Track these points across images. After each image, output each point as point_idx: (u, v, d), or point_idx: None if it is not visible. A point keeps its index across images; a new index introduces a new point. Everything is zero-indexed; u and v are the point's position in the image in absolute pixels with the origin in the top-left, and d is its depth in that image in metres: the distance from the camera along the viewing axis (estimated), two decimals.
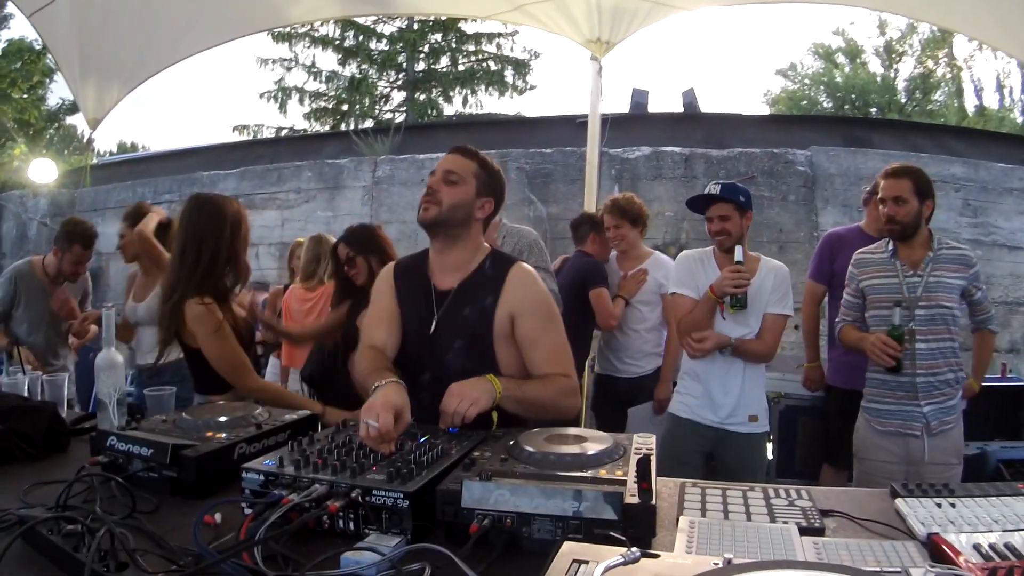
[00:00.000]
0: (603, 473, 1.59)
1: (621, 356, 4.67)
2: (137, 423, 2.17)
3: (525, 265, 2.50)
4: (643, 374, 4.61)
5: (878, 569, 1.11)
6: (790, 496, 1.78)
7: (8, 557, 1.42)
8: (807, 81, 29.47)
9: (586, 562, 1.07)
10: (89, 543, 1.35)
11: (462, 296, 2.42)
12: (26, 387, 2.97)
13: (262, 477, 1.65)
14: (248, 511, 1.57)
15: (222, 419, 2.16)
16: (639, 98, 11.09)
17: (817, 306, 4.59)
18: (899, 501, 1.75)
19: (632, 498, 1.45)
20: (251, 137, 20.87)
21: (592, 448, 1.71)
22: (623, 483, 1.52)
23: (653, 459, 1.63)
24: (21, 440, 2.29)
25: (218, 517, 1.62)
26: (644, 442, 1.81)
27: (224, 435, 2.04)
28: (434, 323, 2.41)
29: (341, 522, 1.56)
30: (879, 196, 3.45)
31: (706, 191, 3.59)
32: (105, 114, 5.55)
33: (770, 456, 5.23)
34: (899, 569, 1.11)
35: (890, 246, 3.41)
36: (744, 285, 3.37)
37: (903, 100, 27.07)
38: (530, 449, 1.71)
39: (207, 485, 1.86)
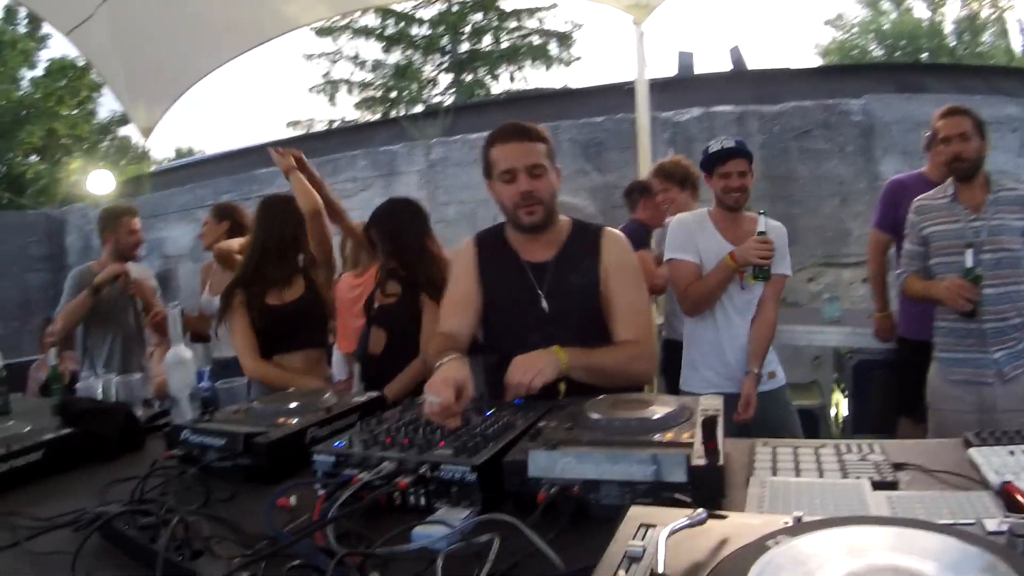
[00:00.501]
0: (670, 436, 1.58)
1: (683, 318, 4.60)
2: (210, 415, 2.22)
3: (613, 230, 2.50)
4: None
5: (951, 522, 1.09)
6: (862, 451, 1.74)
7: (87, 553, 1.46)
8: (856, 30, 28.85)
9: (653, 525, 1.06)
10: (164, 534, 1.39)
11: (563, 266, 2.41)
12: (99, 390, 3.07)
13: (333, 458, 1.68)
14: (320, 492, 1.60)
15: (292, 405, 2.21)
16: (685, 60, 10.97)
17: (883, 255, 4.49)
18: (972, 451, 1.70)
19: (699, 460, 1.44)
20: (304, 132, 21.09)
21: (658, 412, 1.70)
22: (690, 445, 1.51)
23: (720, 419, 1.61)
24: (96, 441, 2.35)
25: (293, 500, 1.66)
26: (711, 403, 1.79)
27: (295, 421, 2.09)
28: (543, 299, 2.39)
29: (412, 498, 1.58)
30: (941, 136, 3.33)
31: (719, 146, 3.47)
32: (156, 122, 5.67)
33: (845, 412, 5.18)
34: (973, 520, 1.08)
35: (950, 190, 3.31)
36: (770, 256, 3.29)
37: (951, 44, 26.40)
38: (595, 416, 1.70)
39: (280, 470, 1.90)
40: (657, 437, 1.58)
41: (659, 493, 1.43)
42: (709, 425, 1.47)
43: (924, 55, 25.96)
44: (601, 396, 1.90)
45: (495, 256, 2.50)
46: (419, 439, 1.68)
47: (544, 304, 2.39)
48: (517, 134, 2.35)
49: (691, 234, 3.50)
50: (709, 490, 1.42)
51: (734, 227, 3.46)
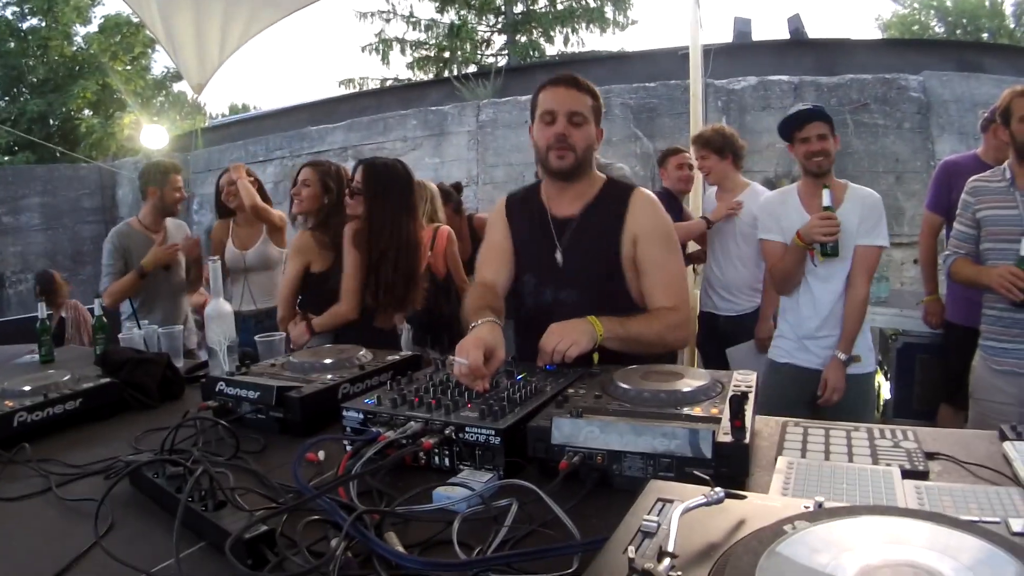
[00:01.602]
0: (698, 411, 1.56)
1: (720, 292, 4.57)
2: (247, 368, 2.25)
3: (646, 190, 2.47)
4: (743, 312, 4.49)
5: (977, 518, 1.06)
6: (895, 437, 1.71)
7: (117, 501, 1.50)
8: (917, 5, 28.22)
9: (671, 501, 1.06)
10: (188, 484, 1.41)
11: (586, 222, 2.41)
12: (143, 341, 3.13)
13: (361, 415, 1.71)
14: (347, 448, 1.62)
15: (327, 361, 2.25)
16: (742, 27, 10.75)
17: (935, 237, 4.41)
18: (1007, 444, 1.66)
19: (725, 436, 1.42)
20: (356, 90, 21.12)
21: (688, 385, 1.68)
22: (717, 420, 1.49)
23: (751, 396, 1.59)
24: (136, 390, 2.40)
25: (321, 455, 1.68)
26: (744, 379, 1.77)
27: (329, 376, 2.11)
28: (559, 252, 2.40)
29: (436, 458, 1.60)
30: (1020, 115, 3.20)
31: (798, 109, 3.45)
32: (208, 79, 5.69)
33: (887, 395, 5.10)
34: (999, 520, 1.05)
35: (1008, 174, 3.17)
36: (835, 233, 3.21)
37: (1011, 25, 25.87)
38: (625, 386, 1.69)
39: (312, 425, 1.93)
40: (685, 411, 1.56)
41: (683, 468, 1.42)
42: (738, 402, 1.44)
43: (984, 35, 25.40)
44: (633, 366, 1.89)
45: (524, 209, 2.53)
46: (447, 400, 1.68)
47: (559, 257, 2.39)
48: (567, 81, 2.36)
49: (775, 212, 3.51)
50: (734, 468, 1.41)
51: (819, 198, 3.34)
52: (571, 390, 1.75)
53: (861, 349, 3.41)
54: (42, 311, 3.61)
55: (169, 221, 4.79)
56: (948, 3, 26.72)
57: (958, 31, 25.95)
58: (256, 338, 2.72)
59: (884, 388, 5.27)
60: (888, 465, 1.53)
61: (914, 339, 4.76)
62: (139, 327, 3.35)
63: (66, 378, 2.36)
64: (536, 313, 2.36)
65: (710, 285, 4.62)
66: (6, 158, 16.58)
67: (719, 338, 4.53)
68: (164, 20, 5.11)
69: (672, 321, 2.31)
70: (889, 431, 1.75)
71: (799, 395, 3.43)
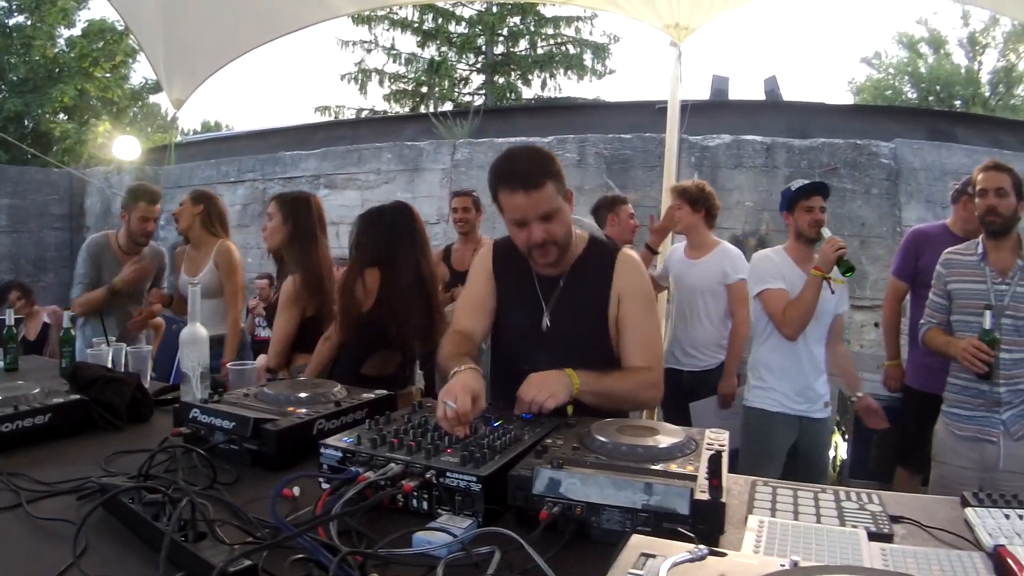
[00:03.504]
0: (674, 467, 1.59)
1: (686, 349, 4.64)
2: (219, 396, 2.24)
3: (630, 251, 2.50)
4: (706, 368, 4.57)
5: None
6: (861, 500, 1.75)
7: (88, 523, 1.48)
8: (891, 71, 28.81)
9: (653, 556, 1.08)
10: (170, 512, 1.40)
11: (573, 284, 2.41)
12: (110, 358, 3.10)
13: (340, 453, 1.70)
14: (325, 486, 1.62)
15: (302, 395, 2.23)
16: (719, 84, 10.95)
17: (899, 303, 4.51)
18: (969, 510, 1.72)
19: (702, 494, 1.45)
20: (333, 118, 21.15)
21: (664, 441, 1.71)
22: (694, 478, 1.52)
23: (725, 455, 1.62)
24: (105, 410, 2.38)
25: (296, 491, 1.68)
26: (716, 437, 1.80)
27: (304, 411, 2.10)
28: (547, 316, 2.41)
29: (415, 501, 1.60)
30: (978, 188, 3.33)
31: (804, 182, 3.84)
32: (189, 96, 5.70)
33: (844, 456, 5.17)
34: None
35: (980, 248, 3.31)
36: (844, 247, 3.55)
37: (987, 94, 26.33)
38: (602, 439, 1.71)
39: (286, 458, 1.93)
40: (662, 466, 1.58)
41: (660, 523, 1.44)
42: (715, 461, 1.48)
43: (958, 102, 25.90)
44: (609, 419, 1.92)
45: (510, 263, 2.51)
46: (427, 443, 1.69)
47: (546, 320, 2.41)
48: (523, 183, 2.22)
49: (776, 266, 3.79)
50: (710, 525, 1.44)
51: (811, 260, 3.74)
52: (549, 440, 1.76)
53: (828, 396, 3.89)
54: (9, 318, 3.57)
55: (146, 249, 4.81)
56: (922, 70, 27.16)
57: (931, 98, 26.35)
58: (229, 366, 2.71)
59: (841, 448, 5.34)
60: (855, 527, 1.57)
61: None
62: (107, 343, 3.32)
63: (35, 391, 2.34)
64: (517, 367, 2.31)
65: (676, 342, 4.68)
66: None
67: (681, 393, 4.55)
68: (152, 34, 5.12)
69: (647, 380, 2.36)
70: (855, 494, 1.79)
71: (787, 439, 3.81)
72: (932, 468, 3.46)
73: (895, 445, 4.42)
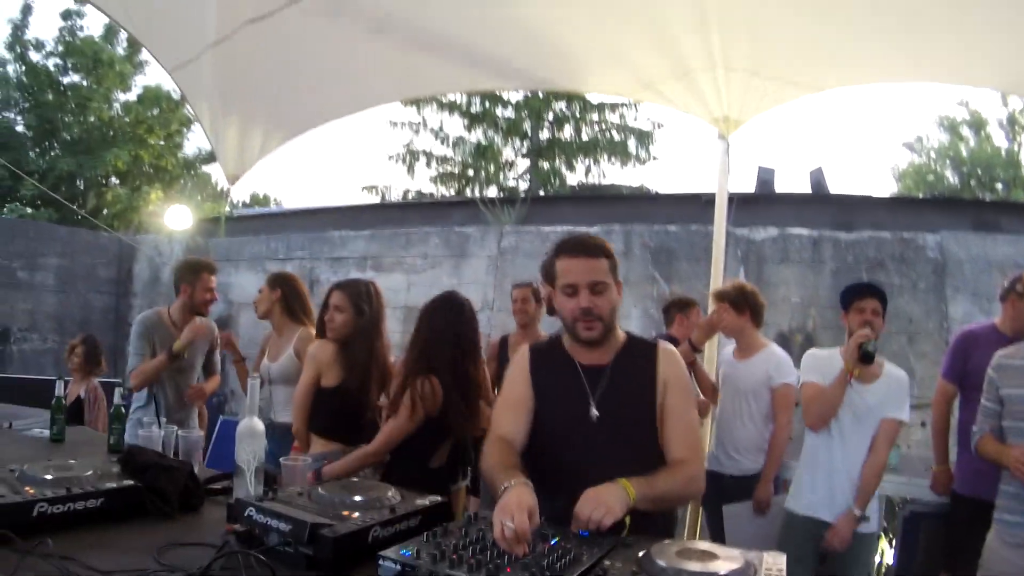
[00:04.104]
0: None
1: (727, 450, 4.60)
2: (273, 493, 2.24)
3: (667, 344, 2.55)
4: (747, 473, 4.52)
5: None
6: None
7: None
8: (933, 155, 28.71)
9: None
10: None
11: (618, 372, 2.44)
12: (160, 442, 3.13)
13: (399, 567, 1.70)
14: None
15: (357, 499, 2.23)
16: (765, 176, 10.95)
17: (948, 406, 4.44)
18: None
19: None
20: (380, 198, 21.46)
21: (724, 567, 1.69)
22: None
23: None
24: (157, 497, 2.39)
25: None
26: (775, 563, 1.78)
27: (359, 515, 2.10)
28: (594, 408, 2.41)
29: None
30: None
31: (863, 282, 3.76)
32: (245, 172, 5.83)
33: (890, 561, 5.04)
34: None
35: None
36: (868, 336, 3.52)
37: None
38: (662, 564, 1.70)
39: (341, 565, 1.91)
40: None
41: None
42: None
43: (999, 185, 25.69)
44: (667, 541, 1.91)
45: (550, 359, 2.55)
46: (486, 561, 1.68)
47: (594, 410, 2.41)
48: (583, 249, 2.42)
49: (820, 362, 3.78)
50: None
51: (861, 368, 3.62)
52: (607, 561, 1.75)
53: (871, 510, 3.69)
54: (60, 389, 3.64)
55: (199, 320, 4.84)
56: (964, 153, 27.02)
57: (972, 181, 26.21)
58: (281, 460, 2.72)
59: (888, 554, 5.21)
60: None
61: (920, 507, 4.74)
62: (159, 426, 3.35)
63: (88, 473, 2.37)
64: (564, 468, 2.34)
65: (720, 444, 4.64)
66: (28, 210, 16.63)
67: (723, 497, 4.49)
68: (212, 112, 5.28)
69: (691, 474, 2.38)
70: None
71: (814, 546, 3.67)
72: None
73: (942, 551, 4.31)
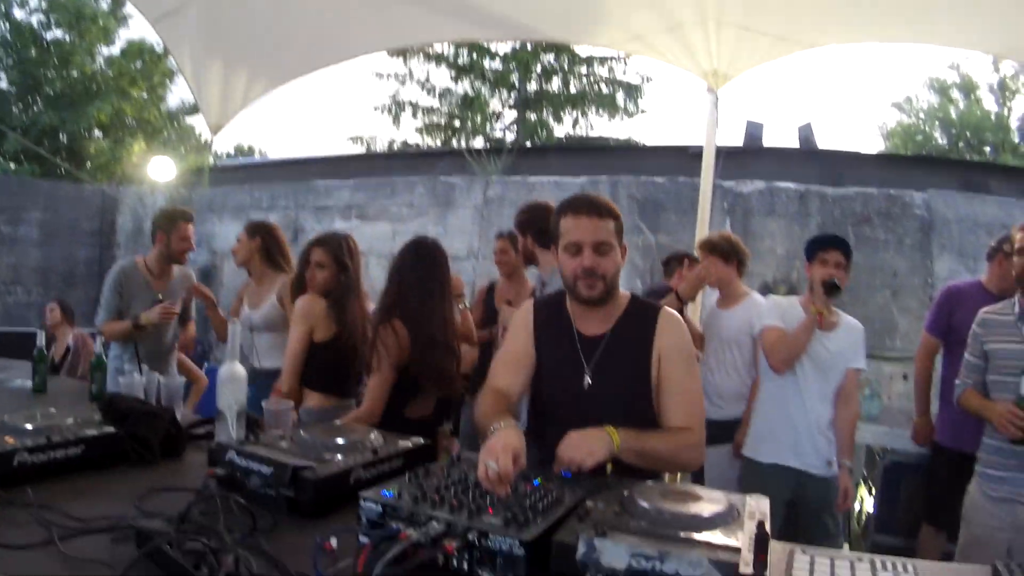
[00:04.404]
0: (718, 536, 1.57)
1: (711, 397, 4.61)
2: (255, 437, 2.23)
3: (671, 310, 2.51)
4: (729, 418, 4.50)
5: None
6: (897, 569, 1.74)
7: (119, 561, 1.50)
8: (922, 115, 28.64)
9: None
10: (211, 564, 1.40)
11: (615, 343, 2.42)
12: (142, 389, 3.12)
13: (380, 508, 1.69)
14: (364, 540, 1.61)
15: (339, 441, 2.22)
16: (754, 130, 10.89)
17: (931, 359, 4.47)
18: None
19: (747, 568, 1.43)
20: (365, 148, 21.29)
21: (707, 509, 1.69)
22: (736, 551, 1.50)
23: (768, 526, 1.60)
24: (138, 444, 2.38)
25: (334, 542, 1.67)
26: (758, 506, 1.79)
27: (341, 458, 2.10)
28: (587, 377, 2.40)
29: (455, 561, 1.58)
30: (1016, 247, 3.30)
31: (826, 234, 3.88)
32: (227, 122, 5.75)
33: (870, 510, 5.12)
34: None
35: (1016, 308, 3.27)
36: (831, 274, 3.57)
37: (1016, 140, 26.11)
38: (645, 504, 1.69)
39: (323, 507, 1.92)
40: (706, 536, 1.57)
41: None
42: (762, 536, 1.47)
43: (987, 148, 25.71)
44: (650, 482, 1.93)
45: (550, 322, 2.52)
46: (468, 502, 1.68)
47: (587, 379, 2.40)
48: (590, 208, 2.36)
49: (783, 309, 3.81)
50: None
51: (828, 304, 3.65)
52: (590, 502, 1.75)
53: (833, 455, 3.75)
54: (41, 339, 3.61)
55: (176, 269, 4.84)
56: (953, 115, 26.96)
57: (961, 144, 26.18)
58: (264, 404, 2.71)
59: (867, 503, 5.28)
60: None
61: (900, 458, 4.80)
62: (140, 373, 3.33)
63: (68, 421, 2.35)
64: (555, 426, 2.30)
65: (704, 391, 4.67)
66: (12, 165, 16.50)
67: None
68: (194, 59, 5.19)
69: (688, 441, 2.36)
70: (890, 563, 1.77)
71: (781, 493, 3.65)
72: (962, 528, 3.39)
73: (922, 501, 4.37)
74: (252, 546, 1.61)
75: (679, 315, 2.53)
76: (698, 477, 4.47)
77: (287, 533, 1.80)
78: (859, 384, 3.86)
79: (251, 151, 31.59)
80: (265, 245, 4.65)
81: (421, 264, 3.42)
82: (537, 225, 3.88)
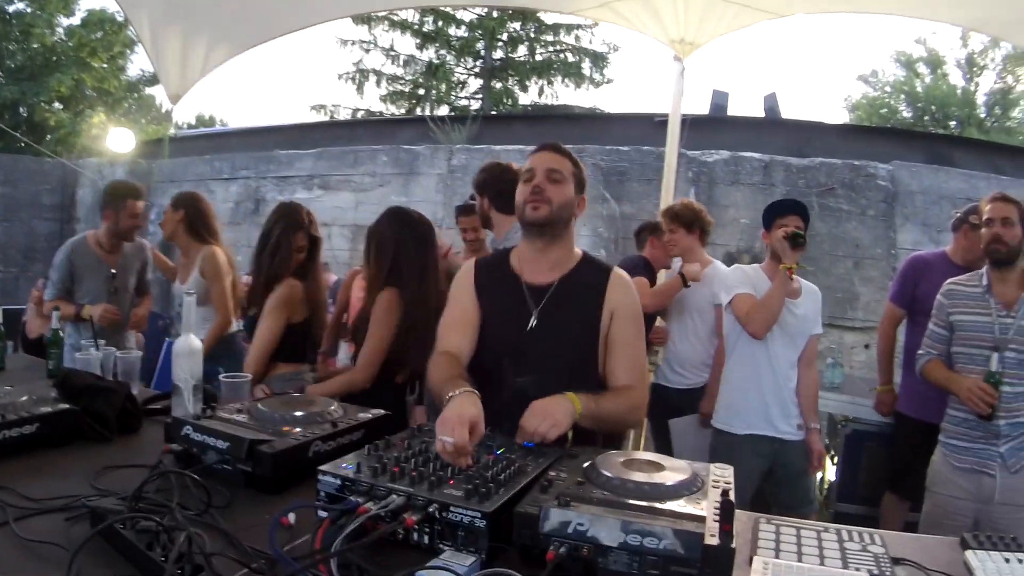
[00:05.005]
0: (682, 505, 1.56)
1: (673, 366, 4.67)
2: (212, 411, 2.18)
3: (621, 270, 2.51)
4: (692, 386, 4.58)
5: None
6: (863, 540, 1.74)
7: (75, 541, 1.45)
8: (888, 89, 28.85)
9: None
10: (165, 543, 1.36)
11: (564, 292, 2.40)
12: (99, 364, 3.05)
13: (339, 481, 1.65)
14: (323, 514, 1.57)
15: (298, 414, 2.18)
16: (719, 100, 10.92)
17: (894, 329, 4.49)
18: (969, 553, 1.72)
19: (712, 539, 1.42)
20: (328, 117, 21.09)
21: (671, 478, 1.67)
22: (701, 519, 1.49)
23: (732, 495, 1.59)
24: (94, 420, 2.32)
25: (292, 517, 1.64)
26: (722, 474, 1.77)
27: (299, 430, 2.05)
28: (533, 319, 2.37)
29: (416, 535, 1.56)
30: (985, 218, 3.33)
31: (785, 199, 3.85)
32: (187, 90, 5.64)
33: (832, 478, 5.16)
34: None
35: (984, 280, 3.30)
36: (791, 230, 3.53)
37: (982, 115, 26.39)
38: (608, 474, 1.67)
39: (281, 481, 1.88)
40: (669, 505, 1.55)
41: (668, 567, 1.42)
42: (727, 506, 1.45)
43: (953, 123, 25.97)
44: (613, 451, 1.90)
45: (494, 276, 2.51)
46: (429, 473, 1.65)
47: (533, 321, 2.37)
48: (553, 147, 2.46)
49: (748, 277, 3.75)
50: (718, 570, 1.41)
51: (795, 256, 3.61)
52: (552, 472, 1.73)
53: (793, 417, 3.76)
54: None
55: (127, 244, 4.75)
56: (919, 89, 27.17)
57: (926, 118, 26.37)
58: (221, 378, 2.66)
59: (830, 471, 5.33)
60: (857, 570, 1.57)
61: (862, 426, 4.82)
62: (96, 348, 3.26)
63: (23, 399, 2.28)
64: (500, 375, 2.33)
65: (667, 359, 4.69)
66: None
67: (669, 410, 4.55)
68: (153, 25, 5.06)
69: (635, 400, 2.39)
70: (857, 533, 1.78)
71: (758, 463, 3.70)
72: (926, 498, 3.44)
73: (885, 470, 4.41)
74: (208, 523, 1.57)
75: (629, 278, 2.52)
76: (666, 447, 4.49)
77: (244, 508, 1.76)
78: (816, 349, 3.87)
79: (212, 121, 31.27)
80: (188, 217, 4.60)
81: (417, 240, 3.44)
82: (496, 187, 3.76)
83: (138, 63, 19.43)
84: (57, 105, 17.73)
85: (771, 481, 3.78)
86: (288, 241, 3.76)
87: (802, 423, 3.73)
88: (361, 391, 3.27)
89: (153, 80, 18.16)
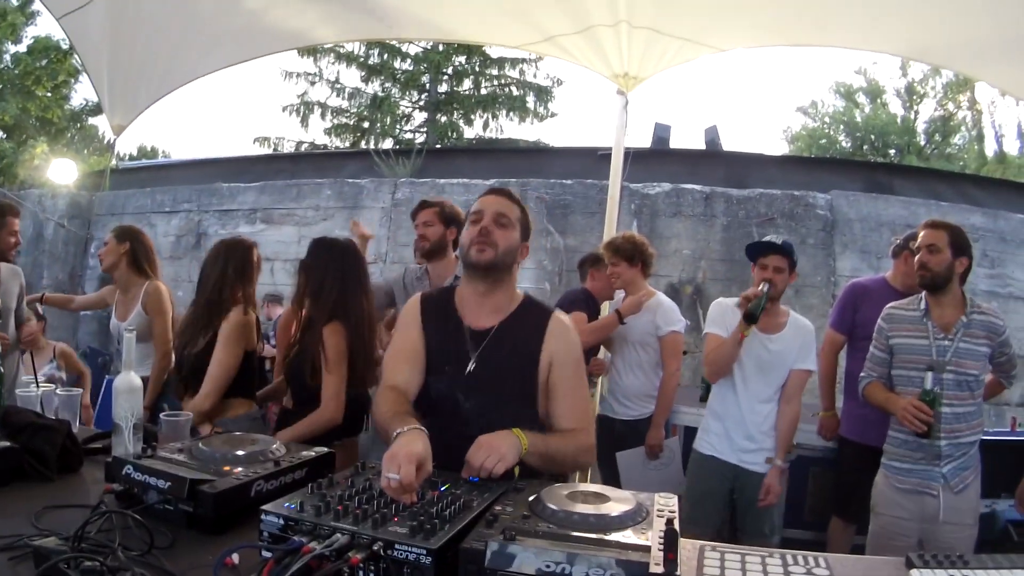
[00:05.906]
0: (627, 535, 1.57)
1: (618, 397, 4.71)
2: (153, 450, 2.14)
3: (563, 315, 2.51)
4: (636, 418, 4.63)
5: None
6: (808, 564, 1.75)
7: None
8: (827, 119, 29.42)
9: None
10: None
11: (503, 337, 2.40)
12: (39, 402, 2.97)
13: (282, 521, 1.63)
14: (266, 555, 1.55)
15: (239, 453, 2.14)
16: (661, 132, 11.06)
17: (836, 355, 4.56)
18: (914, 572, 1.74)
19: (657, 567, 1.43)
20: (272, 149, 20.94)
21: (615, 509, 1.68)
22: (646, 549, 1.50)
23: (677, 523, 1.60)
24: (34, 459, 2.27)
25: (236, 558, 1.61)
26: (667, 504, 1.79)
27: (241, 470, 2.01)
28: (472, 363, 2.37)
29: (361, 573, 1.53)
30: (915, 245, 3.44)
31: (771, 239, 3.90)
32: (130, 122, 5.56)
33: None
34: None
35: (923, 304, 3.40)
36: (751, 297, 3.58)
37: (922, 143, 27.01)
38: (553, 507, 1.68)
39: (223, 521, 1.84)
40: (615, 536, 1.56)
41: None
42: (671, 534, 1.47)
43: (892, 151, 26.50)
44: (557, 484, 1.90)
45: (439, 314, 2.50)
46: (373, 511, 1.63)
47: (472, 365, 2.37)
48: (502, 192, 2.50)
49: (724, 314, 3.82)
50: None
51: (764, 317, 3.66)
52: (498, 507, 1.73)
53: (770, 453, 3.82)
54: None
55: (3, 267, 4.58)
56: (858, 119, 27.70)
57: (865, 147, 26.87)
58: (161, 416, 2.61)
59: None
60: None
61: (807, 452, 4.86)
62: (37, 385, 3.18)
63: None
64: (439, 415, 2.32)
65: (611, 391, 4.72)
66: None
67: (614, 441, 4.59)
68: (98, 55, 5.00)
69: (584, 443, 2.41)
70: (802, 557, 1.80)
71: (721, 485, 3.82)
72: (872, 519, 3.51)
73: (831, 495, 4.47)
74: (152, 563, 1.54)
75: (570, 322, 2.53)
76: (613, 478, 4.50)
77: (187, 549, 1.73)
78: (805, 384, 3.90)
79: (154, 152, 30.81)
80: (134, 250, 4.57)
81: (354, 267, 3.50)
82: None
83: (82, 92, 19.15)
84: (1, 134, 17.36)
85: (736, 506, 3.86)
86: (236, 272, 3.77)
87: (770, 457, 3.79)
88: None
89: (96, 110, 17.89)
